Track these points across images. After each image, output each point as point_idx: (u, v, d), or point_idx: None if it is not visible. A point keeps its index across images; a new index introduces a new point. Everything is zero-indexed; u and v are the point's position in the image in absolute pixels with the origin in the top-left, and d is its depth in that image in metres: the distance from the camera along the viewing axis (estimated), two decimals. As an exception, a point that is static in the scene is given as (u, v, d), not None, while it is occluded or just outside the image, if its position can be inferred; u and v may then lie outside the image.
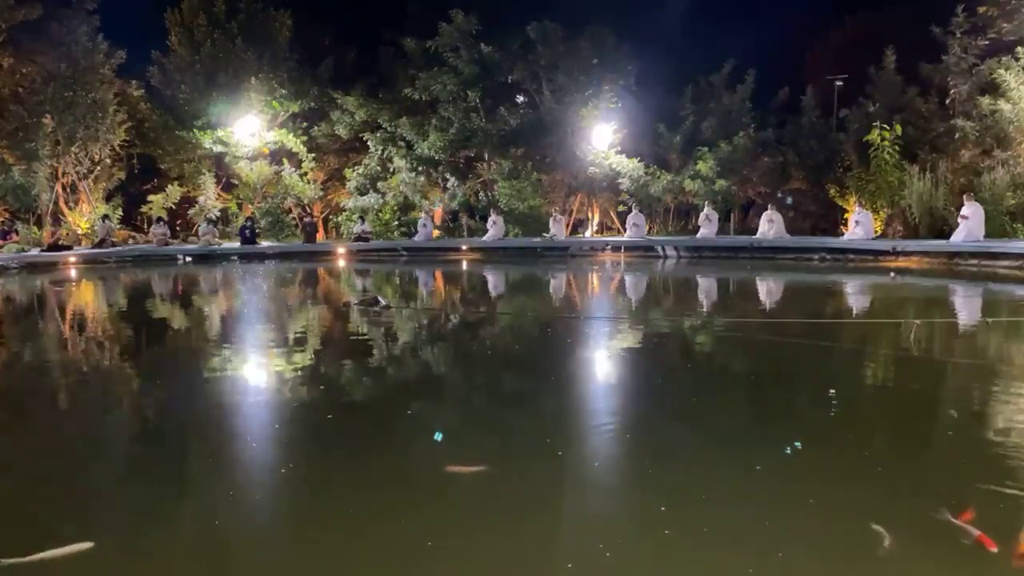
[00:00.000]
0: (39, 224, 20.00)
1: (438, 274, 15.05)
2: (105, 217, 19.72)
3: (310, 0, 23.51)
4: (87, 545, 2.78)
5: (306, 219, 21.81)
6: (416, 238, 20.07)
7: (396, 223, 22.22)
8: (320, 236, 22.13)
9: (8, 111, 18.69)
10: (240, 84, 21.04)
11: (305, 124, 22.70)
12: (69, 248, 18.38)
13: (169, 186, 21.73)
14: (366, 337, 7.54)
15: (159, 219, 20.68)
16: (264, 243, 20.55)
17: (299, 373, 5.73)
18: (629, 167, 19.60)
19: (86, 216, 20.35)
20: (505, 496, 3.23)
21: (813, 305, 9.56)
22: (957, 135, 16.27)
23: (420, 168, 21.59)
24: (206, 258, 18.36)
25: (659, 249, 17.18)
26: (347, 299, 10.57)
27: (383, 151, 22.10)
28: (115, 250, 18.42)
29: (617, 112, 20.18)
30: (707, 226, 18.14)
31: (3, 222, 19.44)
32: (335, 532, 2.89)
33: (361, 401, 5.12)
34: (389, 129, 21.71)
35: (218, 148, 21.34)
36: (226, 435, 4.24)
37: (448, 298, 11.27)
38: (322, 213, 24.01)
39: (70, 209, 20.31)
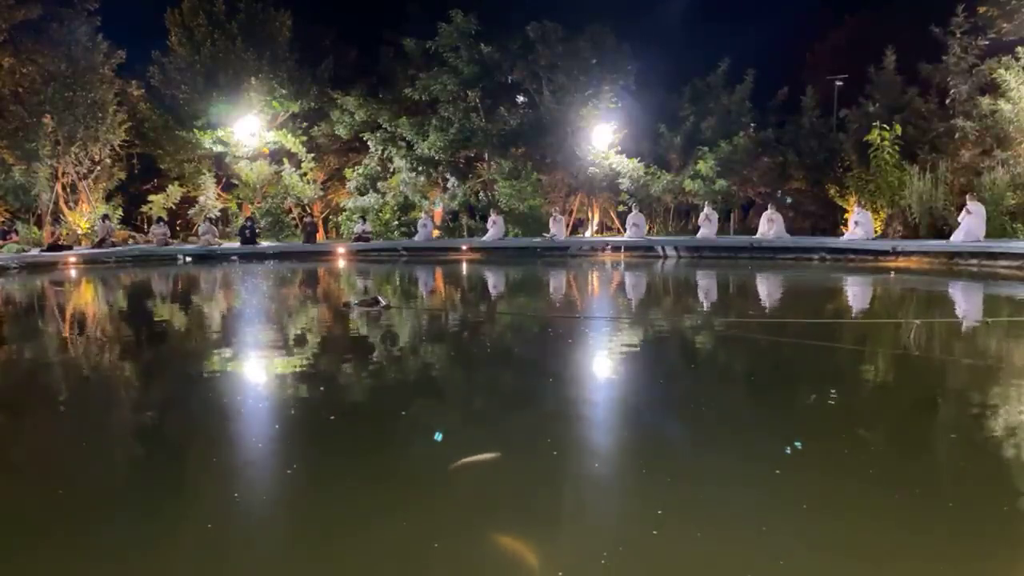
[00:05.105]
0: (39, 224, 20.03)
1: (438, 274, 15.04)
2: (105, 217, 19.74)
3: (310, 0, 23.56)
4: (495, 455, 3.53)
5: (306, 219, 21.84)
6: (416, 238, 20.08)
7: (396, 223, 22.24)
8: (320, 236, 22.16)
9: (8, 111, 18.72)
10: (240, 84, 21.06)
11: (305, 124, 22.74)
12: (69, 248, 18.39)
13: (169, 186, 21.77)
14: (366, 337, 7.54)
15: (159, 219, 20.70)
16: (264, 243, 20.57)
17: (300, 373, 5.73)
18: (629, 167, 19.62)
19: (86, 216, 20.38)
20: (503, 497, 3.23)
21: (813, 305, 9.57)
22: (957, 135, 16.28)
23: (420, 168, 21.61)
24: (206, 258, 18.36)
25: (659, 249, 17.19)
26: (347, 299, 10.57)
27: (383, 151, 22.12)
28: (115, 250, 18.42)
29: (617, 112, 20.21)
30: (707, 226, 18.15)
31: (3, 222, 19.45)
32: (339, 533, 2.89)
33: (362, 401, 5.12)
34: (389, 129, 21.74)
35: (218, 148, 21.37)
36: (227, 435, 4.24)
37: (448, 298, 11.27)
38: (322, 213, 24.04)
39: (70, 209, 20.33)
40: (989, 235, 14.34)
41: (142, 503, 3.25)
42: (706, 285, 12.56)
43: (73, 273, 15.93)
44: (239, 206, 22.71)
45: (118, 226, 20.91)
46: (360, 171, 22.70)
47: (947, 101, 16.78)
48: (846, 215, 17.54)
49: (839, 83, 19.93)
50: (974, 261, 13.14)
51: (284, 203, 22.43)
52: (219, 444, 4.07)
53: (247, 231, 19.99)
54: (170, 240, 20.56)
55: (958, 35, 16.30)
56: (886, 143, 16.59)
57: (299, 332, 8.01)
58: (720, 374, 5.83)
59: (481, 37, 20.13)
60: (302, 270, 16.19)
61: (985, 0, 16.04)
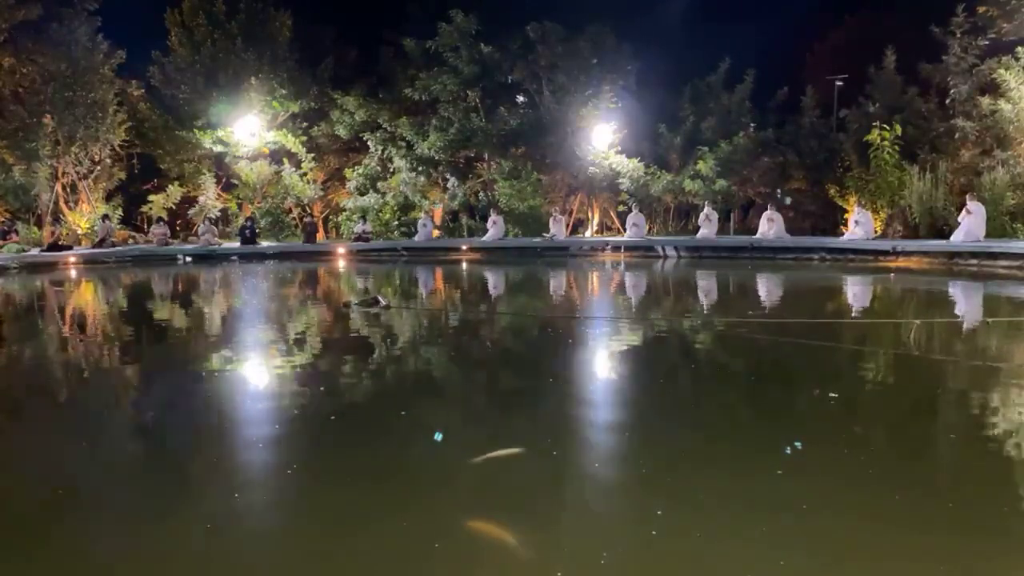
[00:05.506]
0: (39, 224, 20.01)
1: (438, 274, 15.05)
2: (105, 217, 19.74)
3: (310, 0, 23.55)
4: (519, 449, 3.63)
5: (306, 219, 21.84)
6: (416, 238, 20.08)
7: (396, 223, 22.24)
8: (320, 236, 22.15)
9: (8, 111, 18.71)
10: (240, 84, 21.06)
11: (305, 124, 22.73)
12: (69, 248, 18.38)
13: (169, 186, 21.76)
14: (366, 337, 7.54)
15: (159, 219, 20.71)
16: (264, 243, 20.56)
17: (300, 373, 5.73)
18: (629, 167, 19.61)
19: (86, 216, 20.37)
20: (503, 497, 3.23)
21: (813, 305, 9.56)
22: (957, 135, 16.27)
23: (420, 168, 21.61)
24: (206, 258, 18.36)
25: (659, 249, 17.19)
26: (347, 299, 10.57)
27: (383, 151, 22.12)
28: (115, 250, 18.42)
29: (617, 112, 20.20)
30: (707, 226, 18.15)
31: (3, 222, 19.43)
32: (339, 533, 2.90)
33: (362, 401, 5.12)
34: (389, 129, 21.74)
35: (218, 148, 21.36)
36: (227, 435, 4.24)
37: (448, 298, 11.27)
38: (322, 213, 24.03)
39: (70, 209, 20.33)
40: (989, 235, 14.34)
41: (142, 503, 3.25)
42: (706, 285, 12.55)
43: (73, 273, 15.93)
44: (239, 206, 22.70)
45: (118, 226, 20.90)
46: (360, 171, 22.69)
47: (947, 101, 16.77)
48: (846, 215, 17.54)
49: (839, 83, 19.91)
50: (974, 261, 13.14)
51: (284, 203, 22.43)
52: (219, 444, 4.07)
53: (247, 231, 19.98)
54: (170, 240, 20.56)
55: (958, 35, 16.29)
56: (886, 143, 16.59)
57: (299, 332, 8.01)
58: (720, 374, 5.83)
59: (481, 37, 20.12)
60: (302, 270, 16.19)
61: (985, 0, 16.03)
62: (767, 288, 11.72)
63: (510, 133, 20.80)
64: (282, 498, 3.30)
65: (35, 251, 17.84)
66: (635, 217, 19.13)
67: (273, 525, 3.05)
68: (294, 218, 22.83)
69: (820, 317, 8.20)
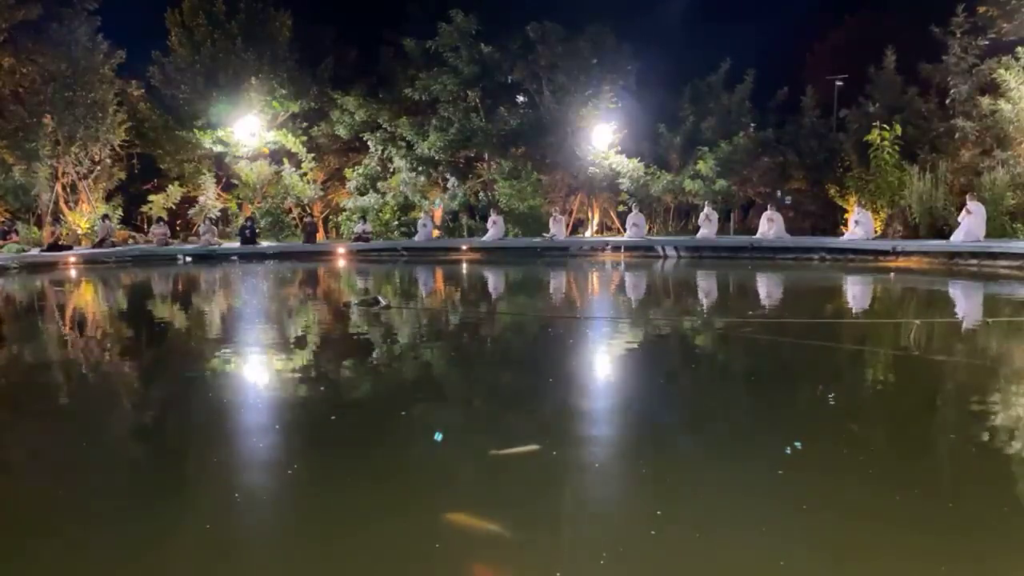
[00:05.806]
0: (39, 224, 20.01)
1: (438, 274, 15.05)
2: (105, 217, 19.73)
3: (310, 0, 23.54)
4: (536, 447, 3.63)
5: (306, 219, 21.83)
6: (416, 238, 20.08)
7: (396, 223, 22.24)
8: (320, 236, 22.14)
9: (8, 111, 18.71)
10: (240, 84, 21.06)
11: (305, 124, 22.73)
12: (69, 248, 18.37)
13: (169, 186, 21.76)
14: (367, 337, 7.54)
15: (159, 219, 20.71)
16: (264, 243, 20.55)
17: (300, 373, 5.73)
18: (629, 167, 19.61)
19: (86, 216, 20.37)
20: (503, 497, 3.23)
21: (813, 305, 9.56)
22: (957, 135, 16.27)
23: (420, 168, 21.61)
24: (206, 258, 18.36)
25: (659, 249, 17.18)
26: (347, 299, 10.57)
27: (383, 151, 22.12)
28: (115, 250, 18.41)
29: (617, 112, 20.20)
30: (707, 226, 18.15)
31: (3, 222, 19.42)
32: (339, 533, 2.89)
33: (363, 401, 5.12)
34: (389, 129, 21.74)
35: (218, 148, 21.36)
36: (228, 435, 4.24)
37: (448, 298, 11.27)
38: (322, 213, 24.02)
39: (70, 209, 20.32)
40: (989, 235, 14.33)
41: (142, 503, 3.25)
42: (706, 285, 12.55)
43: (73, 273, 15.93)
44: (239, 206, 22.69)
45: (118, 226, 20.88)
46: (360, 171, 22.69)
47: (947, 101, 16.77)
48: (846, 215, 17.54)
49: (839, 83, 19.90)
50: (974, 261, 13.14)
51: (284, 203, 22.42)
52: (219, 444, 4.07)
53: (247, 231, 19.98)
54: (170, 240, 20.55)
55: (958, 35, 16.28)
56: (886, 143, 16.59)
57: (299, 332, 8.01)
58: (720, 374, 5.83)
59: (481, 37, 20.11)
60: (302, 270, 16.18)
61: (985, 0, 16.02)
62: (767, 288, 11.71)
63: (510, 133, 20.79)
64: (282, 498, 3.30)
65: (35, 251, 17.83)
66: (635, 217, 19.12)
67: (273, 525, 3.05)
68: (294, 218, 22.82)
69: (820, 317, 8.20)
